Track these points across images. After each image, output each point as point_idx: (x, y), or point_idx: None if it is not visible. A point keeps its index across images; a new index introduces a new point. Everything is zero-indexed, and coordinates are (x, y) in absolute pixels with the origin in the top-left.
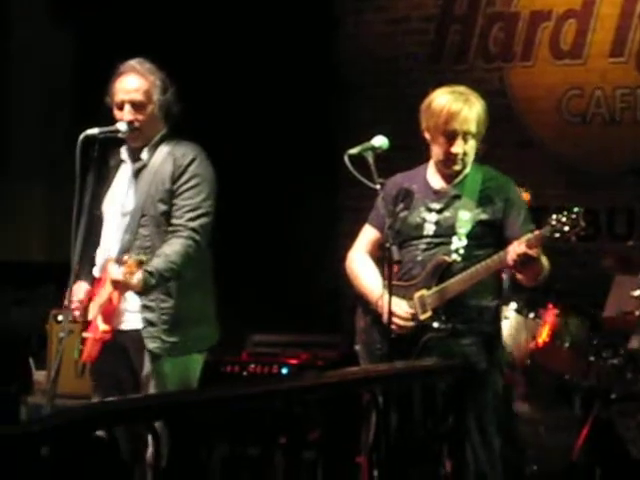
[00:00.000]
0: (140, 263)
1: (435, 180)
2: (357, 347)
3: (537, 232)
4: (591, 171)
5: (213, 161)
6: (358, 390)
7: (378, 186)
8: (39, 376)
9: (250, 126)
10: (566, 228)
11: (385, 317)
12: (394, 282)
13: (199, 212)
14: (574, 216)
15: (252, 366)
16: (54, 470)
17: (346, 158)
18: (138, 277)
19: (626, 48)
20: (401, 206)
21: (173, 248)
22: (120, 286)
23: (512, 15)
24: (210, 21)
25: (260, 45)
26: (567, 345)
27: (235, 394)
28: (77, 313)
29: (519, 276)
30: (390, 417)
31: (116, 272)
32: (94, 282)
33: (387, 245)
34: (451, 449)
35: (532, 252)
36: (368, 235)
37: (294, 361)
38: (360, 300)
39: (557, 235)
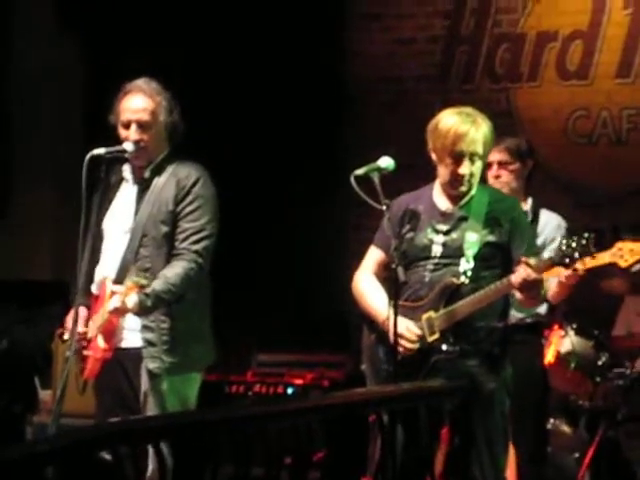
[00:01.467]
0: (141, 287)
1: (441, 201)
2: (363, 367)
3: (546, 257)
4: (597, 191)
5: (219, 177)
6: (363, 411)
7: (384, 207)
8: (44, 395)
9: (256, 146)
10: (576, 255)
11: (391, 338)
12: (401, 303)
13: (202, 235)
14: (584, 242)
15: (257, 386)
16: None
17: (352, 179)
18: (134, 300)
19: (632, 69)
20: (407, 227)
21: (174, 270)
22: (118, 312)
23: (518, 36)
24: (219, 35)
25: (266, 67)
26: (573, 366)
27: (240, 415)
28: (83, 343)
29: (519, 297)
30: (396, 438)
31: (115, 301)
32: (93, 299)
33: (393, 266)
34: (457, 469)
35: (539, 276)
36: (374, 256)
37: (299, 381)
38: (366, 320)
39: (567, 261)
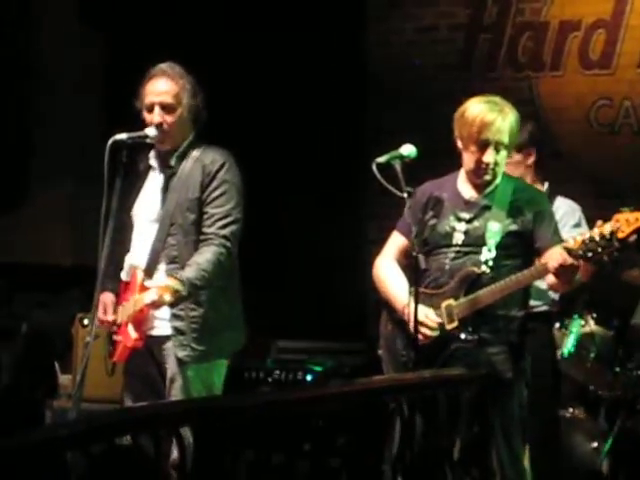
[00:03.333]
0: (175, 292)
1: (466, 189)
2: (380, 352)
3: (574, 244)
4: (619, 181)
5: (242, 165)
6: (383, 399)
7: (405, 194)
8: (64, 380)
9: (278, 134)
10: (599, 249)
11: (411, 325)
12: (421, 290)
13: (229, 219)
14: (608, 236)
15: (277, 373)
16: (80, 475)
17: (374, 166)
18: (168, 297)
19: None
20: (430, 214)
21: (205, 256)
22: (155, 306)
23: (541, 25)
24: (239, 26)
25: (289, 54)
26: (592, 356)
27: (260, 401)
28: (114, 328)
29: (553, 282)
30: (415, 426)
31: (152, 294)
32: (121, 286)
33: (414, 254)
34: (477, 458)
35: (576, 262)
36: (396, 242)
37: (319, 368)
38: (385, 306)
39: (589, 255)
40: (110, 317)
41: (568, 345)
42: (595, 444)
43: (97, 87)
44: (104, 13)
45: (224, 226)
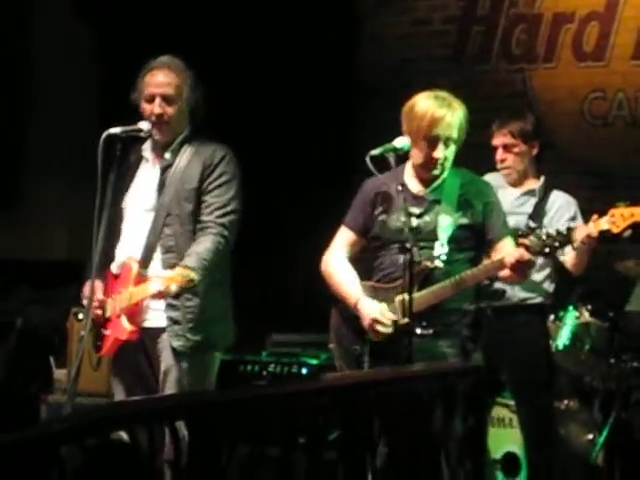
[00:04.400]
0: (190, 281)
1: (413, 184)
2: (331, 346)
3: (530, 242)
4: (613, 173)
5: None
6: (376, 392)
7: (399, 187)
8: (59, 374)
9: (270, 126)
10: (556, 244)
11: (365, 321)
12: (373, 284)
13: (228, 209)
14: (565, 231)
15: (272, 366)
16: (74, 470)
17: (368, 159)
18: (174, 287)
19: None
20: (380, 209)
21: (204, 245)
22: (161, 295)
23: (535, 16)
24: (232, 23)
25: (281, 47)
26: (587, 348)
27: (256, 394)
28: (98, 312)
29: (507, 275)
30: (410, 420)
31: (157, 284)
32: (110, 278)
33: (407, 246)
34: (471, 451)
35: (533, 258)
36: (345, 236)
37: (314, 361)
38: (335, 301)
39: (547, 250)
40: (100, 295)
41: (563, 337)
42: (590, 436)
43: (92, 86)
44: (99, 10)
45: (223, 215)
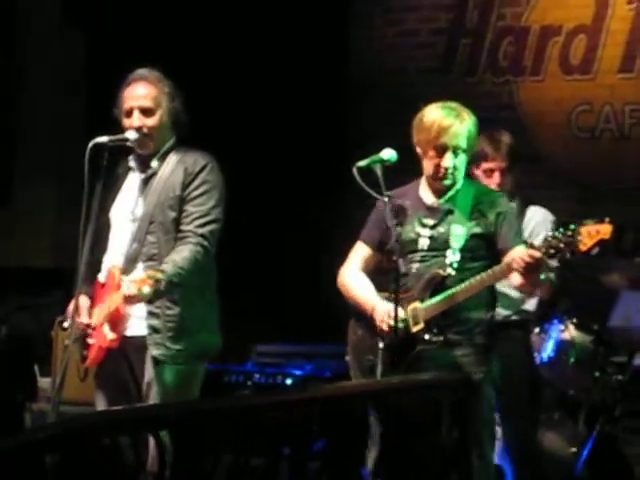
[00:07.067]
0: (156, 281)
1: (427, 195)
2: (347, 358)
3: (536, 244)
4: (600, 186)
5: (223, 171)
6: (362, 403)
7: (386, 199)
8: (44, 383)
9: (260, 136)
10: (561, 245)
11: (381, 325)
12: (388, 294)
13: (208, 219)
14: (570, 233)
15: (257, 376)
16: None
17: (355, 170)
18: (148, 289)
19: (636, 64)
20: (394, 222)
21: (182, 254)
22: (133, 300)
23: (522, 29)
24: (222, 29)
25: (271, 56)
26: (572, 361)
27: (240, 405)
28: (85, 320)
29: (519, 282)
30: (395, 431)
31: (129, 287)
32: (97, 287)
33: (394, 258)
34: (457, 463)
35: (542, 257)
36: (360, 252)
37: (299, 372)
38: (353, 312)
39: (552, 252)
40: (84, 319)
41: (548, 350)
42: (574, 449)
43: (80, 89)
44: (88, 15)
45: (202, 225)
